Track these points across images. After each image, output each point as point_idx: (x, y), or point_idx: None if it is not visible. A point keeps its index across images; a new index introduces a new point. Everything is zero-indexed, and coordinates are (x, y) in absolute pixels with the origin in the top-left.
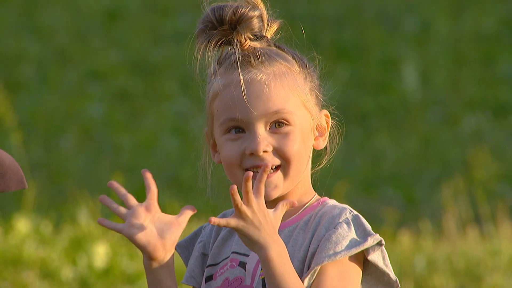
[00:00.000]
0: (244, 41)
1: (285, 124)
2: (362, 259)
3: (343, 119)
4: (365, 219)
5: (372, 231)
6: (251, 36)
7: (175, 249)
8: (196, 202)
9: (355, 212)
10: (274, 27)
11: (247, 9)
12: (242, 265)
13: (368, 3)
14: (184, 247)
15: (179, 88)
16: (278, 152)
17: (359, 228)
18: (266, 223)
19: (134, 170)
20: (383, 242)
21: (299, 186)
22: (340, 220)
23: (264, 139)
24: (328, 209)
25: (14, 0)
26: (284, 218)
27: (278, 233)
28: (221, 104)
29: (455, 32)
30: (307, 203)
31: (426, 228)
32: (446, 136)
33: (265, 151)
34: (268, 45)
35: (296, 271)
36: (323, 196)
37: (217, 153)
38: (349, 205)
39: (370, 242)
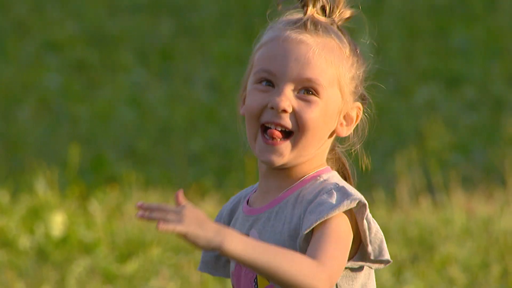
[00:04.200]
0: (312, 8)
1: (312, 94)
2: (349, 221)
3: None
4: None
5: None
6: (319, 11)
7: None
8: (153, 173)
9: (341, 185)
10: (346, 14)
11: None
12: None
13: None
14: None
15: (135, 59)
16: (296, 116)
17: (341, 193)
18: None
19: (91, 141)
20: (364, 201)
21: (313, 161)
22: (323, 191)
23: (288, 99)
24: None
25: None
26: (282, 189)
27: (274, 204)
28: (262, 54)
29: (408, 3)
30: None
31: (379, 197)
32: (399, 106)
33: (284, 110)
34: (331, 24)
35: (287, 246)
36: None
37: (244, 105)
38: None
39: (347, 203)
